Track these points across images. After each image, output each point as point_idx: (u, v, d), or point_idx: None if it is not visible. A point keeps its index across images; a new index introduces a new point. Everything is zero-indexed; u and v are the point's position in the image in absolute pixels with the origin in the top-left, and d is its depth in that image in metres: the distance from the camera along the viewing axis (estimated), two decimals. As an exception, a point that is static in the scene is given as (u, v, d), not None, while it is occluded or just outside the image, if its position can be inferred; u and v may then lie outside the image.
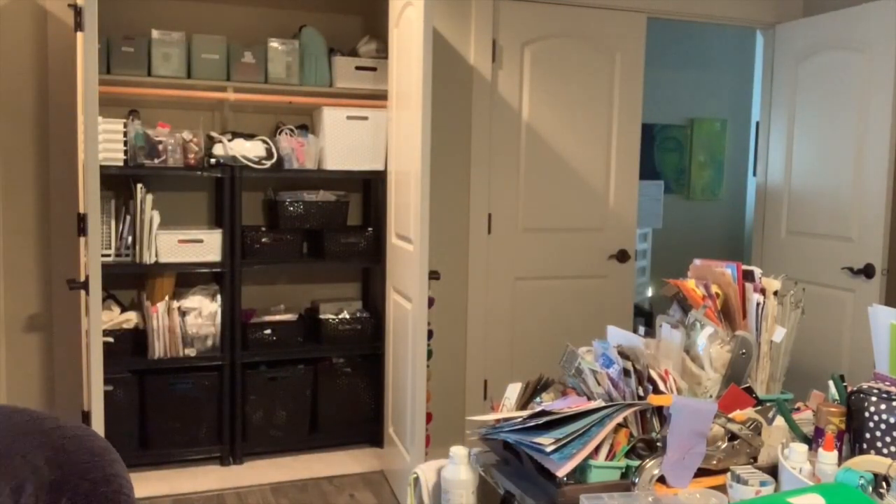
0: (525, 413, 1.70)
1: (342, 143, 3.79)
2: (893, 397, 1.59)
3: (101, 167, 3.07)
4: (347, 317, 3.96)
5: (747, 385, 1.88)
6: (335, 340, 3.92)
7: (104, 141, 3.34)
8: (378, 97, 3.84)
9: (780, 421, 1.75)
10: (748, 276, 2.07)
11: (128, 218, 3.53)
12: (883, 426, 1.58)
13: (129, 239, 3.53)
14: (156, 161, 3.54)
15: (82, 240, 3.18)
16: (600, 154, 4.15)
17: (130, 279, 3.79)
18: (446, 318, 3.92)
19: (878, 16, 3.67)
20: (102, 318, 3.13)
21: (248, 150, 3.69)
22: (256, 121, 3.93)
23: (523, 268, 4.07)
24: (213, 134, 3.73)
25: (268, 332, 3.81)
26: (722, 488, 1.53)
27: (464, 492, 1.70)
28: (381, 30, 3.78)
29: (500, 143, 3.96)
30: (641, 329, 2.00)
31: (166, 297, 3.63)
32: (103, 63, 3.47)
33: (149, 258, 3.54)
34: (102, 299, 3.06)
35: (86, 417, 3.09)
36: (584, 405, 1.68)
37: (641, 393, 1.76)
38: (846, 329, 3.84)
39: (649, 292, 5.69)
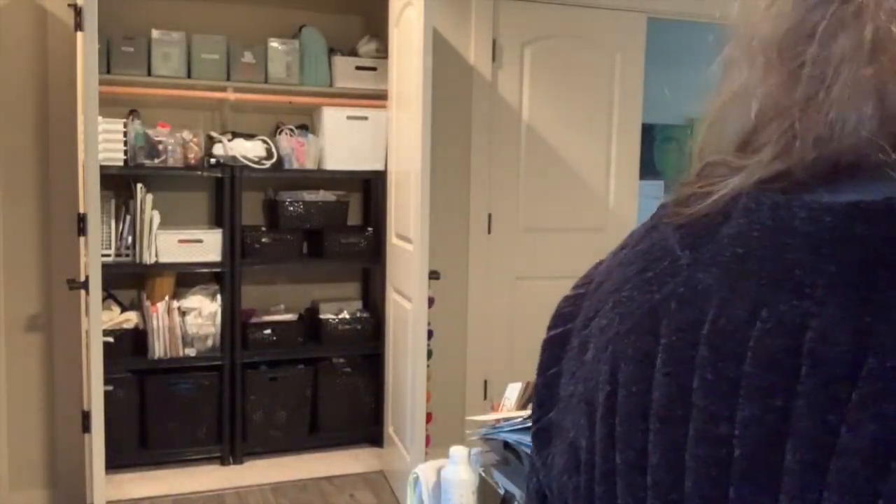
0: (525, 413, 1.70)
1: (342, 143, 3.78)
2: (893, 397, 1.59)
3: (101, 167, 3.07)
4: (347, 317, 3.96)
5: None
6: (335, 340, 3.91)
7: (104, 141, 3.34)
8: (378, 97, 3.83)
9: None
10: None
11: (128, 218, 3.53)
12: (883, 426, 1.58)
13: (129, 239, 3.53)
14: (156, 161, 3.54)
15: (82, 240, 3.17)
16: (600, 154, 4.15)
17: (130, 279, 3.78)
18: (446, 318, 3.92)
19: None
20: (102, 318, 3.12)
21: (248, 150, 3.69)
22: (256, 121, 3.93)
23: (523, 267, 4.07)
24: (213, 134, 3.73)
25: (268, 332, 3.81)
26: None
27: (464, 492, 1.70)
28: (381, 30, 3.78)
29: (500, 143, 3.96)
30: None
31: (166, 297, 3.63)
32: (103, 63, 3.47)
33: (149, 258, 3.54)
34: (102, 299, 3.06)
35: (86, 417, 3.09)
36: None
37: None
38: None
39: (649, 292, 5.68)
